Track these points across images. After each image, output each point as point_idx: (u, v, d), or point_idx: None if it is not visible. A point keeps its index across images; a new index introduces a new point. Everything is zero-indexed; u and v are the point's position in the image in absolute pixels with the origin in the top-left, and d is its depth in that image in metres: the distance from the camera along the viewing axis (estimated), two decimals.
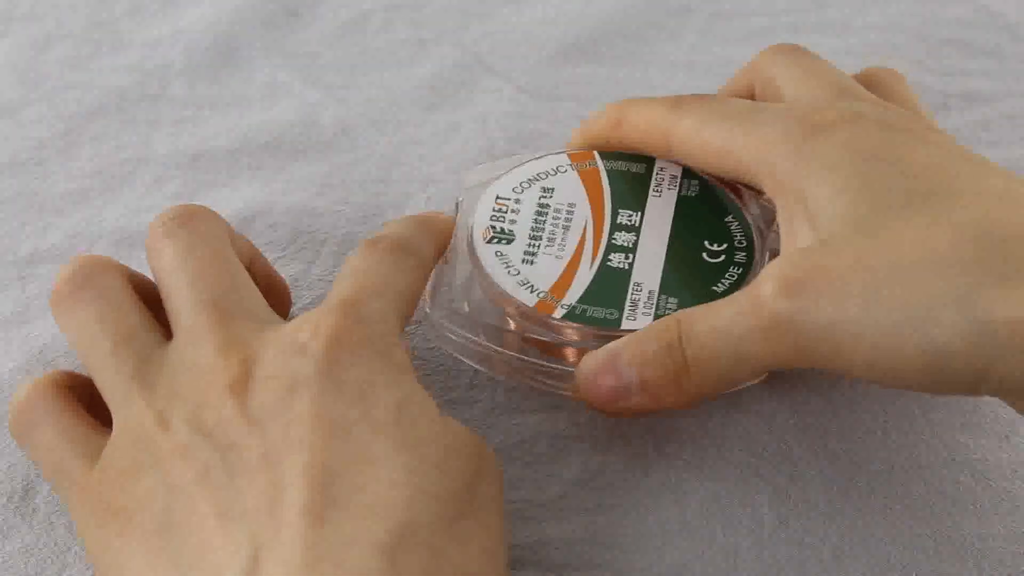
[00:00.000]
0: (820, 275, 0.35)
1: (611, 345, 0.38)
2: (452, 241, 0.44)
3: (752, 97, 0.45)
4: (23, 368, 0.44)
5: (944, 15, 0.60)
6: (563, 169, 0.45)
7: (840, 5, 0.61)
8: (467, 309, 0.43)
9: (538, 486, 0.41)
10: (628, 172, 0.45)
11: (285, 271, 0.48)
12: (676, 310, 0.40)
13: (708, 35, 0.60)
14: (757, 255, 0.42)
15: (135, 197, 0.51)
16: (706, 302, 0.38)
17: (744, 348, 0.36)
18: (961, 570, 0.39)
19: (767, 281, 0.36)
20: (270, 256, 0.49)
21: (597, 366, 0.38)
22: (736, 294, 0.37)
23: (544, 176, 0.45)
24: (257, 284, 0.41)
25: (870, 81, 0.44)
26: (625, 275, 0.42)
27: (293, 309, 0.46)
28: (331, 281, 0.48)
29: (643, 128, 0.44)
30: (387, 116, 0.55)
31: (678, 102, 0.43)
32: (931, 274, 0.33)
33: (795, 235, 0.38)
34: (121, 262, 0.48)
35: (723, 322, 0.36)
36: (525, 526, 0.40)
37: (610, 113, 0.45)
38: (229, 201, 0.51)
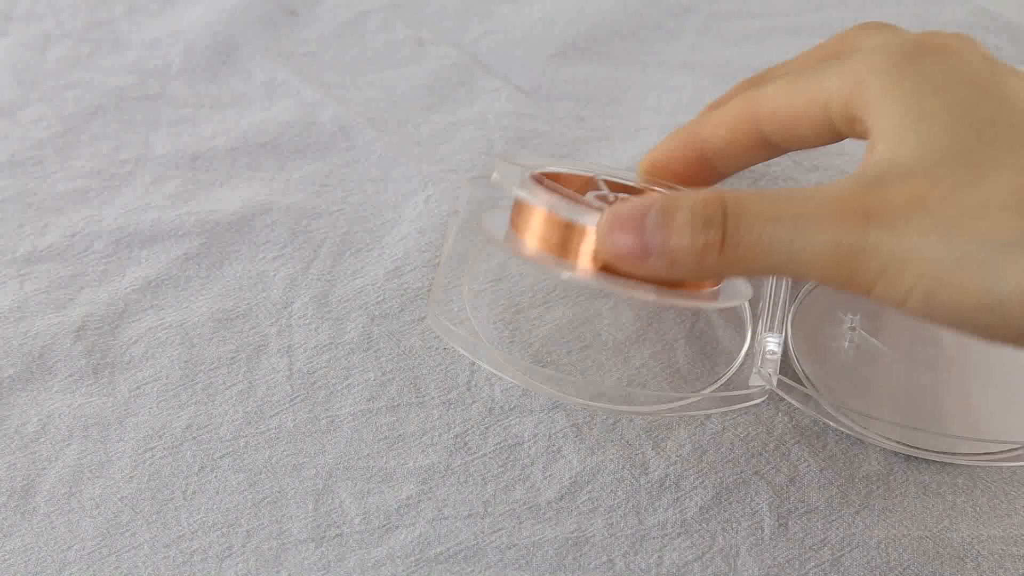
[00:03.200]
0: (913, 199, 0.33)
1: (640, 201, 0.37)
2: (450, 244, 0.44)
3: None
4: (23, 375, 0.44)
5: (943, 16, 0.60)
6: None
7: (839, 6, 0.61)
8: None
9: (536, 486, 0.41)
10: None
11: (283, 271, 0.48)
12: None
13: (707, 35, 0.60)
14: None
15: (134, 197, 0.51)
16: None
17: (801, 250, 0.34)
18: (960, 571, 0.39)
19: (853, 190, 0.34)
20: (268, 255, 0.49)
21: (621, 219, 0.37)
22: (809, 191, 0.35)
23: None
24: None
25: None
26: None
27: (291, 309, 0.46)
28: (330, 280, 0.48)
29: (730, 121, 0.42)
30: (386, 116, 0.55)
31: (752, 79, 0.41)
32: (1016, 216, 0.32)
33: (888, 151, 0.36)
34: (119, 262, 0.48)
35: (788, 215, 0.34)
36: (523, 527, 0.40)
37: (687, 141, 0.43)
38: (228, 201, 0.51)
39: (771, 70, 0.43)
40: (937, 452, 0.41)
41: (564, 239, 0.39)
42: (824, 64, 0.39)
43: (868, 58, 0.37)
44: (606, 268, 0.38)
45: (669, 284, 0.38)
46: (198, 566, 0.39)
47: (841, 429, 0.42)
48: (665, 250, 0.36)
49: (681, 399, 0.43)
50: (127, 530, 0.40)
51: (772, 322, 0.43)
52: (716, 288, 0.40)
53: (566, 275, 0.39)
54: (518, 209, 0.40)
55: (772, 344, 0.43)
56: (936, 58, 0.36)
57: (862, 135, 0.38)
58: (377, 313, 0.46)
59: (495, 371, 0.43)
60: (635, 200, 0.37)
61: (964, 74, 0.36)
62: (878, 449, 0.42)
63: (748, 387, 0.42)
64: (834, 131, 0.39)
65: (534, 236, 0.39)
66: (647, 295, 0.38)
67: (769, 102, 0.40)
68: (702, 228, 0.35)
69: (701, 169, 0.43)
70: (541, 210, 0.39)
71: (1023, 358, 0.44)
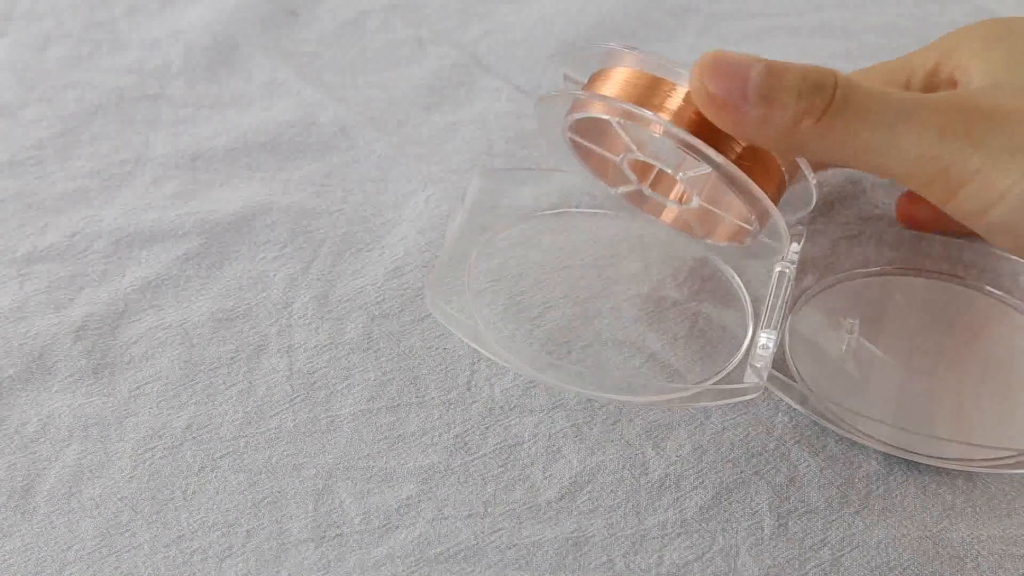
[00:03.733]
0: (1009, 112, 0.34)
1: (748, 55, 0.36)
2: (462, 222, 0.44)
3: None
4: (23, 375, 0.44)
5: (942, 17, 0.60)
6: None
7: (838, 7, 0.61)
8: None
9: (536, 486, 0.41)
10: None
11: (283, 270, 0.48)
12: None
13: (707, 35, 0.60)
14: None
15: (134, 197, 0.51)
16: None
17: (895, 145, 0.35)
18: (960, 571, 0.39)
19: (959, 96, 0.35)
20: (268, 255, 0.49)
21: (725, 61, 0.36)
22: (915, 93, 0.36)
23: None
24: None
25: None
26: None
27: (291, 309, 0.46)
28: (330, 280, 0.48)
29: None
30: (386, 116, 0.55)
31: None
32: None
33: (985, 80, 0.37)
34: (119, 262, 0.48)
35: (893, 107, 0.35)
36: (523, 527, 0.40)
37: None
38: (228, 201, 0.51)
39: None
40: (928, 456, 0.41)
41: (647, 95, 0.38)
42: (909, 52, 0.40)
43: (954, 35, 0.38)
44: (691, 123, 0.37)
45: (742, 163, 0.38)
46: (198, 566, 0.39)
47: (831, 428, 0.42)
48: (764, 102, 0.35)
49: (675, 392, 0.43)
50: (127, 530, 0.40)
51: (770, 319, 0.43)
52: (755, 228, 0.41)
53: (656, 119, 0.38)
54: (595, 78, 0.40)
55: (765, 339, 0.43)
56: (1018, 35, 0.37)
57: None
58: (377, 313, 0.46)
59: (496, 359, 0.43)
60: (738, 53, 0.36)
61: None
62: (876, 451, 0.42)
63: (743, 382, 0.42)
64: None
65: (613, 91, 0.39)
66: (717, 160, 0.37)
67: (852, 78, 0.39)
68: (809, 91, 0.35)
69: None
70: (622, 70, 0.39)
71: (1019, 368, 0.44)
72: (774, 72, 0.35)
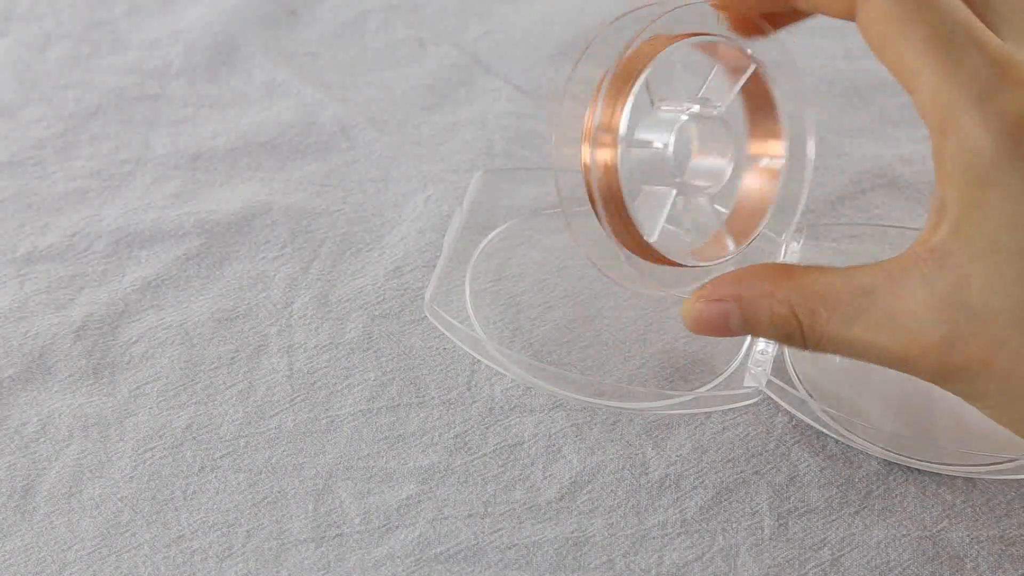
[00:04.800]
0: (981, 360, 0.33)
1: (722, 302, 0.38)
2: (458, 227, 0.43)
3: None
4: (23, 375, 0.44)
5: None
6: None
7: None
8: None
9: (536, 486, 0.41)
10: None
11: (283, 270, 0.48)
12: None
13: None
14: None
15: (134, 197, 0.51)
16: None
17: (878, 361, 0.36)
18: (959, 572, 0.39)
19: (929, 322, 0.34)
20: (268, 255, 0.49)
21: (706, 321, 0.38)
22: (888, 303, 0.35)
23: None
24: None
25: None
26: None
27: (291, 309, 0.46)
28: (330, 280, 0.48)
29: None
30: (386, 116, 0.55)
31: None
32: None
33: (956, 252, 0.34)
34: (120, 262, 0.48)
35: (861, 342, 0.35)
36: (523, 527, 0.40)
37: None
38: (228, 201, 0.51)
39: None
40: (925, 461, 0.41)
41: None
42: None
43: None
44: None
45: None
46: (198, 566, 0.39)
47: (829, 434, 0.42)
48: (751, 333, 0.38)
49: (674, 398, 0.43)
50: (127, 530, 0.40)
51: None
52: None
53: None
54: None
55: (763, 344, 0.43)
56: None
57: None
58: (377, 313, 0.46)
59: (494, 365, 0.43)
60: (712, 305, 0.38)
61: None
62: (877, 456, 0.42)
63: (741, 387, 0.42)
64: None
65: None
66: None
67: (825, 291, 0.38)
68: (784, 339, 0.37)
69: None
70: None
71: None
72: (749, 322, 0.37)
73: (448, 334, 0.44)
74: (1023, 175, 0.32)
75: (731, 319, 0.37)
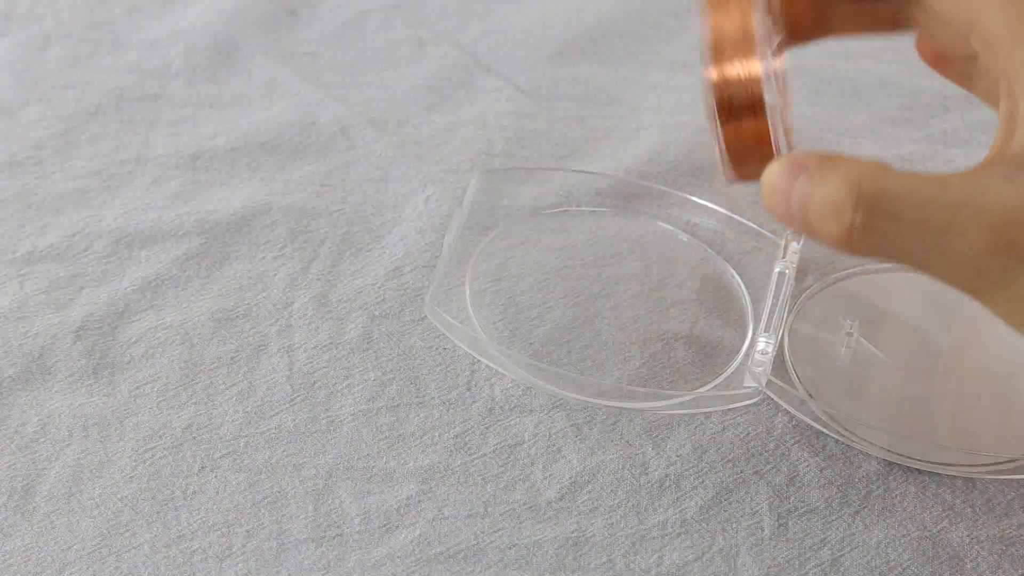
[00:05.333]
0: None
1: (798, 163, 0.35)
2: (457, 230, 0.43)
3: None
4: (23, 375, 0.44)
5: None
6: None
7: None
8: None
9: (536, 486, 0.41)
10: None
11: (283, 270, 0.48)
12: None
13: None
14: None
15: (134, 197, 0.51)
16: None
17: (939, 262, 0.33)
18: (959, 572, 0.39)
19: (1004, 206, 0.33)
20: (268, 255, 0.49)
21: (776, 193, 0.35)
22: (955, 193, 0.33)
23: None
24: None
25: None
26: None
27: (291, 309, 0.46)
28: (330, 280, 0.48)
29: None
30: (386, 116, 0.55)
31: None
32: None
33: None
34: (119, 262, 0.48)
35: (931, 226, 0.33)
36: (523, 527, 0.40)
37: None
38: (228, 201, 0.51)
39: None
40: (925, 462, 0.41)
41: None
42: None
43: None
44: None
45: None
46: (198, 566, 0.39)
47: (829, 434, 0.42)
48: (807, 229, 0.35)
49: (674, 398, 0.43)
50: (127, 530, 0.40)
51: (768, 323, 0.43)
52: None
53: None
54: None
55: (763, 344, 0.43)
56: None
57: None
58: (377, 313, 0.46)
59: (494, 365, 0.43)
60: (791, 156, 0.36)
61: None
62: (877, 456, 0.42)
63: (741, 388, 0.42)
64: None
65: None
66: None
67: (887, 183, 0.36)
68: (837, 215, 0.34)
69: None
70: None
71: (1019, 371, 0.44)
72: (804, 201, 0.35)
73: (448, 334, 0.44)
74: None
75: (793, 196, 0.35)
